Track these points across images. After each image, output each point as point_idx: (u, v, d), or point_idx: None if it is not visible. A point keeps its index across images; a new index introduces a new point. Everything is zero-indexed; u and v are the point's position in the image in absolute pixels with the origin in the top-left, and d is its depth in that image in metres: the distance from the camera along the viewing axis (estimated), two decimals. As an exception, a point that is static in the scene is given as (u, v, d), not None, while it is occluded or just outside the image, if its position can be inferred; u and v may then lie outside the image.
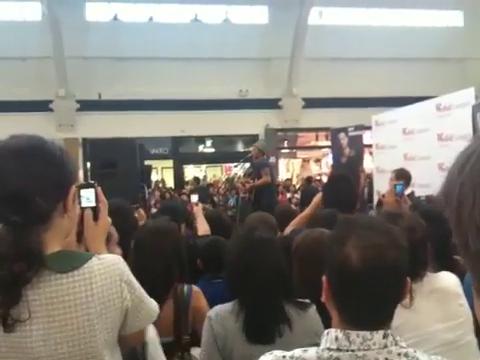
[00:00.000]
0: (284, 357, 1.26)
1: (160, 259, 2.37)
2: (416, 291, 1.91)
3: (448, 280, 2.07)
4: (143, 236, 2.51)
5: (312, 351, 1.24)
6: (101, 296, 1.26)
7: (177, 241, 2.56)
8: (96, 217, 1.49)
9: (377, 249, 1.19)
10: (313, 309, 2.06)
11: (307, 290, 2.07)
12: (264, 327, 1.99)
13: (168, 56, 15.39)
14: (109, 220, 1.55)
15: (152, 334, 1.90)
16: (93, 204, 1.48)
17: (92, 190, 1.49)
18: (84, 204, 1.47)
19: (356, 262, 1.18)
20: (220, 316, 2.05)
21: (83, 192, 1.47)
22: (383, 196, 4.43)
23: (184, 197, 13.00)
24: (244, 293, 2.04)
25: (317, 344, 1.94)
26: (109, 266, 1.30)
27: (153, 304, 1.45)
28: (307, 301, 2.08)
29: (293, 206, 9.98)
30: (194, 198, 4.12)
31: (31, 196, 1.23)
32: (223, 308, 2.09)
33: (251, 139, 15.24)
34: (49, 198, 1.26)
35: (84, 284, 1.24)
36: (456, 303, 2.00)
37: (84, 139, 13.49)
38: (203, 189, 11.93)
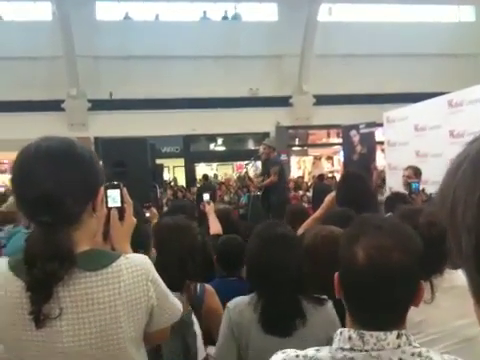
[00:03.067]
0: (297, 356, 1.26)
1: (175, 255, 2.39)
2: (437, 287, 1.91)
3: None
4: (159, 233, 2.53)
5: (325, 351, 1.24)
6: (128, 294, 1.29)
7: (193, 238, 2.58)
8: (122, 217, 1.52)
9: (383, 250, 1.18)
10: (330, 304, 2.08)
11: (318, 287, 2.08)
12: (281, 320, 2.02)
13: (178, 54, 15.44)
14: (134, 220, 1.57)
15: (197, 326, 1.98)
16: (119, 204, 1.51)
17: (118, 191, 1.52)
18: (110, 204, 1.50)
19: (362, 262, 1.18)
20: (238, 307, 2.09)
21: (109, 192, 1.50)
22: (412, 198, 4.43)
23: (188, 195, 13.05)
24: (264, 287, 2.07)
25: (332, 338, 1.98)
26: (136, 265, 1.33)
27: (177, 303, 1.48)
28: (324, 297, 2.10)
29: (305, 204, 9.97)
30: (206, 197, 4.11)
31: (62, 197, 1.26)
32: (241, 299, 2.13)
33: (262, 137, 15.23)
34: (79, 199, 1.31)
35: (112, 282, 1.28)
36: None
37: (96, 138, 13.57)
38: (211, 187, 11.92)
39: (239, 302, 2.11)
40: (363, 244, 1.20)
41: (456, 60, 16.33)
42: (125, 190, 1.53)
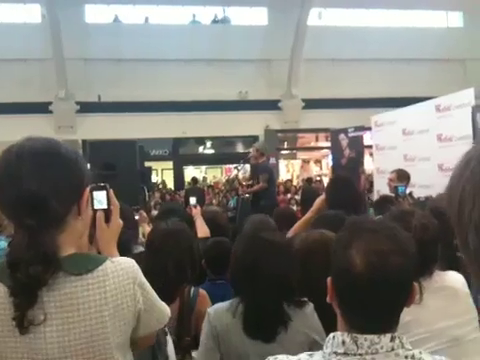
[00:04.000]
0: None
1: (174, 260, 2.38)
2: (426, 288, 1.92)
3: (456, 279, 2.10)
4: (157, 237, 2.51)
5: (318, 356, 1.23)
6: (115, 299, 1.26)
7: (190, 242, 2.58)
8: (108, 219, 1.48)
9: (381, 255, 1.18)
10: (310, 307, 2.08)
11: (308, 291, 2.08)
12: (262, 325, 2.01)
13: (168, 58, 15.42)
14: (121, 222, 1.54)
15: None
16: (105, 206, 1.48)
17: (104, 192, 1.48)
18: (96, 206, 1.46)
19: (360, 267, 1.17)
20: (218, 313, 2.08)
21: (95, 194, 1.46)
22: (398, 201, 4.46)
23: (177, 198, 13.01)
24: (247, 291, 2.06)
25: (313, 341, 1.98)
26: (123, 269, 1.30)
27: (165, 307, 1.45)
28: (305, 299, 2.10)
29: (293, 207, 9.98)
30: (192, 200, 4.09)
31: (46, 199, 1.23)
32: (221, 305, 2.12)
33: (251, 140, 15.27)
34: (64, 201, 1.27)
35: (98, 287, 1.25)
36: (463, 301, 2.03)
37: (84, 141, 13.50)
38: (198, 190, 11.88)
39: (218, 308, 2.11)
40: (359, 248, 1.19)
41: (444, 65, 16.48)
42: (111, 192, 1.50)
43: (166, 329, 2.10)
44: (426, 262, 1.89)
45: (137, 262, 1.38)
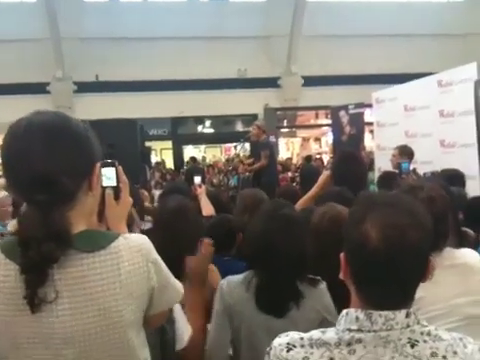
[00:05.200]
0: (302, 339, 1.22)
1: (184, 235, 2.38)
2: (437, 264, 1.90)
3: (470, 256, 2.06)
4: (167, 213, 2.51)
5: (331, 332, 1.20)
6: (128, 276, 1.24)
7: (198, 218, 2.58)
8: (117, 197, 1.46)
9: (399, 229, 1.14)
10: (323, 285, 2.07)
11: (323, 267, 2.06)
12: (275, 301, 2.01)
13: (166, 36, 15.23)
14: (130, 200, 1.52)
15: (177, 308, 1.94)
16: (114, 183, 1.46)
17: (113, 169, 1.46)
18: (105, 183, 1.45)
19: (376, 242, 1.14)
20: (231, 286, 2.08)
21: (104, 171, 1.44)
22: (402, 178, 4.43)
23: (177, 178, 12.99)
24: (262, 267, 2.05)
25: (324, 319, 1.98)
26: (136, 246, 1.28)
27: (178, 285, 1.43)
28: (318, 278, 2.09)
29: (294, 185, 9.98)
30: (197, 180, 4.07)
31: (57, 175, 1.20)
32: (234, 278, 2.12)
33: (250, 119, 15.19)
34: (75, 177, 1.24)
35: (111, 264, 1.22)
36: (478, 279, 1.99)
37: (82, 121, 13.37)
38: (200, 170, 11.88)
39: (231, 281, 2.11)
40: (375, 222, 1.16)
41: (446, 40, 16.29)
42: (120, 169, 1.48)
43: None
44: (436, 237, 1.87)
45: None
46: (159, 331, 1.87)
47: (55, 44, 14.31)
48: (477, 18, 15.70)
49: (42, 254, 1.15)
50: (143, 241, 1.32)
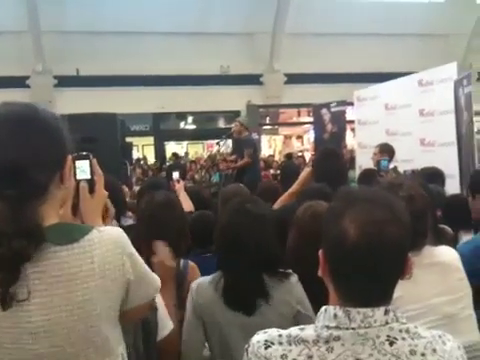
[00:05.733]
0: (280, 336, 1.20)
1: (171, 231, 2.38)
2: (415, 263, 1.90)
3: (448, 254, 2.07)
4: (154, 207, 2.49)
5: (310, 330, 1.19)
6: (102, 269, 1.21)
7: (183, 213, 2.58)
8: (92, 190, 1.44)
9: (378, 224, 1.13)
10: (294, 278, 2.08)
11: (302, 263, 2.07)
12: (243, 297, 2.02)
13: (148, 30, 15.11)
14: (105, 193, 1.50)
15: (159, 299, 1.93)
16: (88, 176, 1.43)
17: (87, 162, 1.43)
18: (79, 176, 1.42)
19: (354, 237, 1.12)
20: (200, 287, 2.10)
21: (78, 164, 1.41)
22: (381, 175, 4.45)
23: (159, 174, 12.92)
24: (229, 264, 2.07)
25: (297, 312, 1.99)
26: (110, 238, 1.25)
27: (155, 279, 1.41)
28: (289, 271, 2.10)
29: (276, 182, 9.98)
30: (175, 175, 4.06)
31: (26, 168, 1.17)
32: (204, 280, 2.14)
33: (233, 115, 15.15)
34: (45, 169, 1.21)
35: (84, 257, 1.19)
36: (456, 277, 2.00)
37: (63, 116, 13.20)
38: (180, 166, 11.82)
39: (201, 282, 2.12)
40: (354, 218, 1.14)
41: (427, 40, 16.47)
42: (95, 161, 1.45)
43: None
44: (415, 236, 1.88)
45: (128, 235, 1.34)
46: (141, 320, 1.87)
47: (35, 37, 14.12)
48: (458, 19, 15.88)
49: (13, 251, 1.12)
50: (118, 234, 1.29)
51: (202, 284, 2.11)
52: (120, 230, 1.32)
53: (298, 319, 1.99)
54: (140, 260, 1.34)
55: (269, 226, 2.13)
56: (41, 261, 1.17)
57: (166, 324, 2.00)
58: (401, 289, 1.70)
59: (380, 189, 1.93)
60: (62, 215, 1.33)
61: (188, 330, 2.09)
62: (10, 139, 1.17)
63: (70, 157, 1.30)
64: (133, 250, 1.32)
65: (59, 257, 1.18)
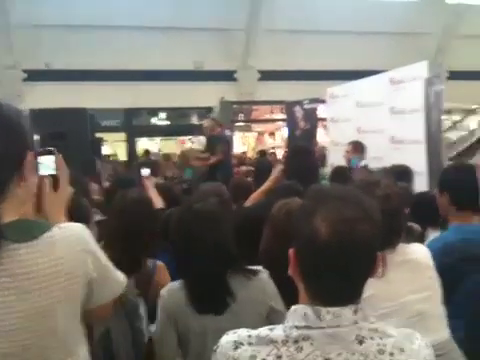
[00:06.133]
0: (249, 336, 1.19)
1: (145, 228, 2.35)
2: (389, 261, 1.91)
3: (420, 251, 2.10)
4: (128, 205, 2.48)
5: (279, 329, 1.18)
6: (63, 267, 1.18)
7: (155, 211, 2.56)
8: (56, 186, 1.41)
9: (349, 223, 1.12)
10: (264, 275, 2.07)
11: (277, 262, 2.05)
12: (208, 299, 2.00)
13: (121, 24, 14.90)
14: (70, 189, 1.47)
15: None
16: (53, 172, 1.40)
17: (52, 157, 1.40)
18: (43, 172, 1.39)
19: (325, 236, 1.12)
20: (170, 293, 2.07)
21: (42, 159, 1.38)
22: (351, 173, 4.49)
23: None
24: (186, 263, 2.06)
25: (270, 308, 1.98)
26: (71, 235, 1.22)
27: (120, 276, 1.39)
28: (258, 268, 2.09)
29: (249, 179, 9.98)
30: (145, 172, 4.01)
31: None
32: (174, 284, 2.11)
33: (206, 112, 15.11)
34: (4, 167, 1.18)
35: (45, 254, 1.16)
36: (427, 275, 2.03)
37: (32, 110, 12.98)
38: (151, 162, 11.72)
39: (171, 288, 2.10)
40: (325, 216, 1.14)
41: (399, 38, 16.68)
42: (60, 157, 1.42)
43: (137, 291, 2.10)
44: (389, 234, 1.88)
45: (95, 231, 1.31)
46: (132, 329, 1.85)
47: (4, 30, 13.78)
48: (429, 17, 16.13)
49: None
50: (79, 230, 1.27)
51: (172, 290, 2.08)
52: (82, 226, 1.29)
53: (271, 317, 1.98)
54: (103, 257, 1.31)
55: (222, 224, 2.12)
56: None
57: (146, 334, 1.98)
58: (374, 287, 1.70)
59: (355, 187, 1.94)
60: (24, 212, 1.29)
61: (162, 336, 2.06)
62: None
63: (31, 154, 1.27)
64: (96, 247, 1.29)
65: (17, 255, 1.14)
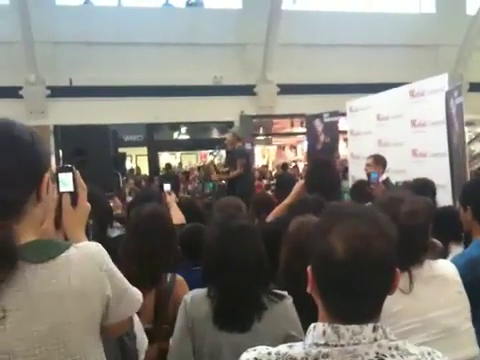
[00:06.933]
0: (269, 354, 1.19)
1: (159, 243, 2.35)
2: (416, 277, 1.89)
3: (447, 267, 2.07)
4: (143, 220, 2.47)
5: (299, 347, 1.18)
6: (79, 287, 1.19)
7: (172, 226, 2.56)
8: (74, 202, 1.42)
9: (364, 239, 1.12)
10: (289, 302, 2.04)
11: (293, 279, 2.04)
12: (234, 315, 1.97)
13: (141, 41, 15.13)
14: (88, 206, 1.47)
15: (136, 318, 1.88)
16: (71, 189, 1.42)
17: (70, 174, 1.42)
18: (62, 189, 1.40)
19: (341, 253, 1.12)
20: (195, 300, 2.04)
21: (61, 176, 1.40)
22: (371, 188, 4.44)
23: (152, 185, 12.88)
24: (220, 280, 2.02)
25: (289, 335, 1.95)
26: (87, 254, 1.23)
27: (136, 293, 1.39)
28: (284, 293, 2.06)
29: (269, 193, 9.99)
30: (167, 187, 4.04)
31: None
32: (199, 292, 2.08)
33: (226, 126, 15.17)
34: (20, 188, 1.18)
35: (61, 275, 1.17)
36: (455, 290, 2.00)
37: (55, 126, 13.20)
38: (173, 177, 11.76)
39: (196, 295, 2.06)
40: (340, 233, 1.14)
41: (418, 51, 16.59)
42: (78, 174, 1.43)
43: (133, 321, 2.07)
44: (415, 250, 1.87)
45: (116, 246, 1.33)
46: (119, 344, 1.83)
47: (28, 47, 14.08)
48: (449, 29, 16.02)
49: None
50: (96, 250, 1.27)
51: (197, 298, 2.04)
52: (98, 245, 1.30)
53: (289, 342, 1.96)
54: (119, 275, 1.32)
55: (257, 239, 2.11)
56: (16, 280, 1.14)
57: (143, 344, 1.95)
58: (401, 303, 1.69)
59: (379, 203, 1.93)
60: (44, 230, 1.31)
61: (178, 345, 2.03)
62: None
63: (47, 175, 1.28)
64: (112, 265, 1.29)
65: (34, 275, 1.15)
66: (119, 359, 1.83)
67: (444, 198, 5.05)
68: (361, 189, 4.48)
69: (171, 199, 3.90)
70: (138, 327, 1.92)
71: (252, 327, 1.96)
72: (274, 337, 1.92)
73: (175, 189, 4.39)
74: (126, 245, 2.38)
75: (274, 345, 1.25)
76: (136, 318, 1.89)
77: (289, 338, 1.93)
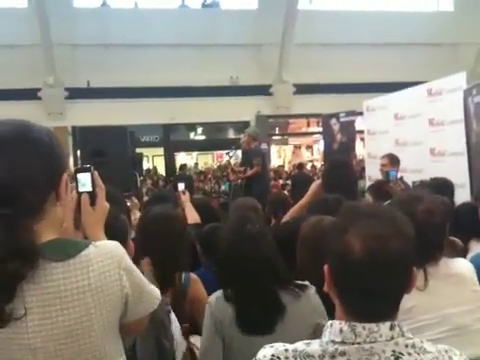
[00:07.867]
0: (286, 350, 1.21)
1: (166, 245, 2.36)
2: (432, 274, 1.90)
3: (464, 266, 2.07)
4: (150, 222, 2.48)
5: (315, 344, 1.19)
6: (99, 285, 1.21)
7: (183, 227, 2.56)
8: (93, 202, 1.44)
9: (381, 239, 1.13)
10: (312, 291, 2.04)
11: (311, 279, 2.04)
12: (257, 319, 1.97)
13: (157, 43, 15.26)
14: (107, 205, 1.50)
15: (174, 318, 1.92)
16: (89, 189, 1.44)
17: (88, 174, 1.44)
18: (81, 189, 1.43)
19: (358, 252, 1.13)
20: (220, 302, 2.04)
21: (80, 176, 1.43)
22: (390, 186, 4.42)
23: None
24: (236, 285, 2.03)
25: (317, 324, 1.95)
26: (106, 253, 1.25)
27: (154, 290, 1.41)
28: (306, 283, 2.06)
29: (285, 192, 9.98)
30: (181, 186, 4.04)
31: (19, 189, 1.16)
32: (221, 295, 2.07)
33: (242, 126, 15.20)
34: (39, 189, 1.20)
35: (81, 273, 1.19)
36: (471, 289, 2.00)
37: (74, 128, 13.35)
38: (187, 177, 11.78)
39: (220, 297, 2.06)
40: (357, 233, 1.15)
41: (435, 49, 16.46)
42: (96, 174, 1.46)
43: (169, 308, 2.09)
44: (431, 248, 1.87)
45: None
46: (158, 348, 1.84)
47: (46, 50, 14.28)
48: (466, 28, 15.86)
49: (8, 272, 1.11)
50: (114, 248, 1.29)
51: (220, 300, 2.04)
52: (117, 244, 1.32)
53: (317, 333, 1.95)
54: (138, 273, 1.33)
55: (270, 242, 2.11)
56: (37, 278, 1.17)
57: (181, 347, 1.96)
58: (415, 299, 1.68)
59: (398, 202, 1.92)
60: (64, 229, 1.33)
61: (208, 345, 2.03)
62: (1, 160, 1.17)
63: (65, 175, 1.30)
64: (130, 263, 1.31)
65: (55, 274, 1.18)
66: (155, 356, 1.84)
67: (463, 197, 4.99)
68: (378, 188, 4.46)
69: (186, 199, 3.90)
70: (176, 329, 1.94)
71: (277, 327, 1.95)
72: (300, 331, 1.91)
73: (190, 189, 4.42)
74: (136, 246, 2.39)
75: (306, 335, 1.25)
76: (174, 318, 1.90)
77: (318, 327, 1.92)
